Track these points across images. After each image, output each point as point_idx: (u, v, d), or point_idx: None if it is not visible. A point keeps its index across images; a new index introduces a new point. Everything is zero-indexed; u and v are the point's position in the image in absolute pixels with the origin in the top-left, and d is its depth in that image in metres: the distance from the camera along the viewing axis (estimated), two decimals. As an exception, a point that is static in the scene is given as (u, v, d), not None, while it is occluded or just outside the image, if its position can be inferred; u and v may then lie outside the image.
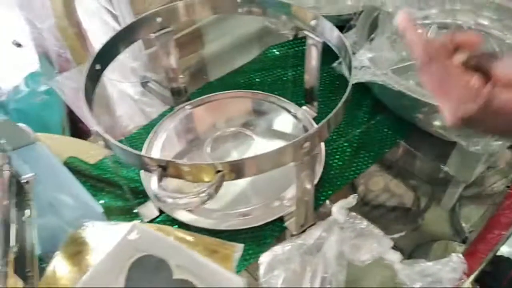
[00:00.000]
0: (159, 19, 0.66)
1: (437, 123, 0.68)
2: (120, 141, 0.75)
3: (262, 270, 0.48)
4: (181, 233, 0.48)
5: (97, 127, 0.48)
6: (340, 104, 0.48)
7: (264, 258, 0.48)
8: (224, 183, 0.43)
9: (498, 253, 1.19)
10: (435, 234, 0.80)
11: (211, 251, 0.46)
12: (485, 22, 0.83)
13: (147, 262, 0.42)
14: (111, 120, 0.97)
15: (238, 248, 0.48)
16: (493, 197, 0.79)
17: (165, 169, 0.44)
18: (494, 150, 0.66)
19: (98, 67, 0.59)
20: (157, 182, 0.42)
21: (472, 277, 0.74)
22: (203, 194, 0.42)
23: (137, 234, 0.43)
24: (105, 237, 0.48)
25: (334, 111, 0.48)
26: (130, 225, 0.44)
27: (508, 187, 0.74)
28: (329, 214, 0.56)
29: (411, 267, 0.51)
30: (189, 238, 0.47)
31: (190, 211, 0.60)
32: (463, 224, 0.81)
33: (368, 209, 0.75)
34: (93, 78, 0.57)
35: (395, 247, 0.68)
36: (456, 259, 0.49)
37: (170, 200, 0.41)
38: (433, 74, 0.36)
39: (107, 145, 0.50)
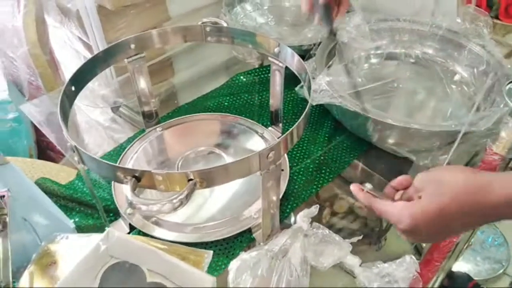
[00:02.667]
0: (132, 45, 0.70)
1: (390, 140, 0.75)
2: (109, 152, 0.78)
3: (231, 275, 0.50)
4: (153, 242, 0.50)
5: (74, 143, 0.51)
6: (300, 119, 0.54)
7: (233, 265, 0.51)
8: (194, 197, 0.46)
9: (455, 269, 1.25)
10: (397, 253, 0.84)
11: (182, 258, 0.48)
12: (430, 51, 0.93)
13: (120, 268, 0.44)
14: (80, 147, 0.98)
15: (207, 255, 0.50)
16: None
17: (138, 179, 0.47)
18: (441, 163, 0.73)
19: (73, 88, 0.62)
20: (131, 191, 0.45)
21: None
22: (175, 201, 0.45)
23: (111, 240, 0.45)
24: (78, 249, 0.49)
25: (296, 125, 0.53)
26: (105, 232, 0.45)
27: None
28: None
29: (369, 269, 0.55)
30: (161, 246, 0.49)
31: (160, 225, 0.63)
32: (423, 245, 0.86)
33: (333, 231, 0.79)
34: (69, 98, 0.60)
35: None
36: (408, 260, 0.54)
37: (144, 207, 0.44)
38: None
39: (81, 159, 0.52)
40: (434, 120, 0.82)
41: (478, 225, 0.46)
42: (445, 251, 0.76)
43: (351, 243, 0.58)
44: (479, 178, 0.45)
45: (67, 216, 0.67)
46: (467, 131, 0.68)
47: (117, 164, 0.48)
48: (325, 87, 0.73)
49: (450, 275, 1.19)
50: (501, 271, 1.24)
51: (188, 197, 0.46)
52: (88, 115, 1.01)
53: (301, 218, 0.58)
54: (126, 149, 0.78)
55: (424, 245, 0.89)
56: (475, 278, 1.21)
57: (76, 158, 0.53)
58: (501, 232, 1.29)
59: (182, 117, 0.83)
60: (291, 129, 0.52)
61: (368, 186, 0.52)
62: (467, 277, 1.21)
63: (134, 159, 0.75)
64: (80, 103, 1.01)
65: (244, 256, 0.53)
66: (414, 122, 0.70)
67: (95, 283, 0.43)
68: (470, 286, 1.18)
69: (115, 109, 0.93)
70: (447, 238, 0.49)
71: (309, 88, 0.61)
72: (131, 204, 0.44)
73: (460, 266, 1.28)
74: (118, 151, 0.80)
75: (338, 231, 0.76)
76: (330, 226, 0.77)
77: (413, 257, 0.55)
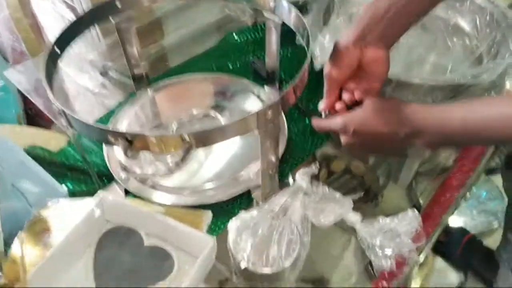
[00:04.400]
0: (119, 4, 0.66)
1: (389, 96, 0.73)
2: (101, 117, 0.75)
3: (231, 235, 0.49)
4: (150, 206, 0.48)
5: (61, 106, 0.48)
6: (298, 77, 0.51)
7: (232, 224, 0.50)
8: (191, 160, 0.45)
9: (450, 223, 1.26)
10: (394, 210, 0.85)
11: (180, 220, 0.47)
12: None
13: (117, 233, 0.43)
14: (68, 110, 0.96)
15: (206, 216, 0.49)
16: (446, 172, 0.85)
17: (131, 142, 0.45)
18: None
19: (58, 51, 0.58)
20: (123, 152, 0.43)
21: (430, 245, 0.79)
22: (171, 162, 0.43)
23: (105, 205, 0.43)
24: (71, 214, 0.47)
25: (294, 83, 0.50)
26: (97, 198, 0.44)
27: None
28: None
29: (371, 225, 0.54)
30: (158, 208, 0.48)
31: (156, 189, 0.61)
32: (420, 200, 0.87)
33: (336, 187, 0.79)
34: (54, 61, 0.57)
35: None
36: (411, 214, 0.53)
37: (138, 170, 0.42)
38: None
39: (71, 124, 0.50)
40: (434, 75, 0.80)
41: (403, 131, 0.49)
42: (445, 206, 0.75)
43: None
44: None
45: (59, 183, 0.65)
46: (470, 84, 0.65)
47: (108, 127, 0.45)
48: (326, 44, 0.70)
49: (446, 229, 1.20)
50: (496, 224, 1.26)
51: (184, 159, 0.44)
52: (77, 82, 0.98)
53: (301, 176, 0.57)
54: (116, 113, 0.75)
55: (422, 201, 0.89)
56: (471, 232, 1.23)
57: (64, 123, 0.51)
58: (496, 186, 1.30)
59: (173, 78, 0.80)
60: (289, 87, 0.49)
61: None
62: (462, 231, 1.22)
63: (125, 125, 0.73)
64: (68, 69, 0.97)
65: (243, 215, 0.52)
66: (416, 79, 0.68)
67: (90, 249, 0.42)
68: (465, 239, 1.20)
69: (104, 73, 0.90)
70: (391, 144, 0.52)
71: (307, 44, 0.58)
72: (125, 168, 0.43)
73: (455, 220, 1.29)
74: (108, 117, 0.77)
75: (335, 190, 0.75)
76: (327, 186, 0.77)
77: (415, 211, 0.54)
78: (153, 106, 0.77)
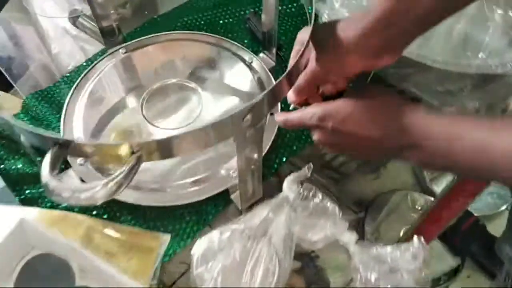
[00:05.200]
0: None
1: (407, 81, 0.60)
2: (57, 82, 0.64)
3: (194, 261, 0.41)
4: (95, 223, 0.39)
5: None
6: (293, 63, 0.38)
7: (197, 249, 0.41)
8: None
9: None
10: (396, 183, 0.76)
11: (130, 246, 0.38)
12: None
13: (43, 263, 0.34)
14: (48, 57, 0.84)
15: (163, 240, 0.40)
16: None
17: (63, 147, 0.34)
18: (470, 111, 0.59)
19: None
20: (49, 167, 0.32)
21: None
22: (112, 184, 0.33)
23: (26, 229, 0.34)
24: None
25: (287, 71, 0.38)
26: (17, 221, 0.34)
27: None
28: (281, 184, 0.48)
29: (366, 250, 0.45)
30: (106, 230, 0.38)
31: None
32: (425, 173, 0.77)
33: (330, 157, 0.69)
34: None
35: (355, 203, 0.62)
36: (417, 244, 0.44)
37: (67, 194, 0.32)
38: None
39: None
40: (462, 54, 0.65)
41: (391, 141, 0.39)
42: (456, 211, 0.66)
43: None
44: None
45: (7, 161, 0.55)
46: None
47: (31, 129, 0.34)
48: (337, 7, 0.55)
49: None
50: (503, 207, 1.17)
51: (129, 176, 0.34)
52: (54, 22, 0.84)
53: (288, 185, 0.47)
54: (86, 71, 0.63)
55: (428, 179, 0.81)
56: (475, 214, 1.15)
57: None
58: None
59: (151, 35, 0.67)
60: (281, 77, 0.37)
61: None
62: (465, 212, 1.15)
63: (91, 89, 0.61)
64: (47, 6, 0.83)
65: (213, 235, 0.42)
66: (439, 58, 0.54)
67: (10, 279, 0.33)
68: (469, 221, 1.13)
69: (73, 19, 0.76)
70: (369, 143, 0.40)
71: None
72: (46, 187, 0.32)
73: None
74: (84, 69, 0.65)
75: (339, 166, 0.66)
76: (329, 163, 0.67)
77: (423, 241, 0.44)
78: (126, 68, 0.64)
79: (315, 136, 0.42)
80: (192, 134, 0.35)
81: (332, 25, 0.41)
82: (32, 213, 0.35)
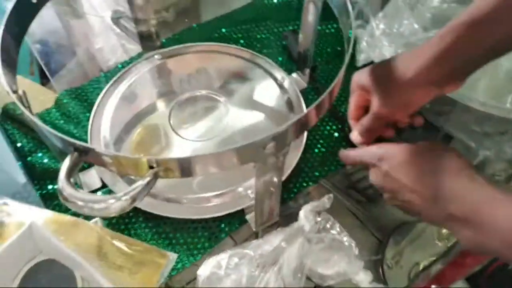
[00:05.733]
0: None
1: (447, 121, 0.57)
2: (91, 81, 0.66)
3: (200, 283, 0.40)
4: (106, 233, 0.38)
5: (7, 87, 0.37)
6: (326, 93, 0.37)
7: (204, 270, 0.40)
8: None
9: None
10: None
11: (137, 261, 0.37)
12: None
13: (48, 269, 0.34)
14: (90, 52, 0.86)
15: (170, 259, 0.39)
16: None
17: (83, 154, 0.34)
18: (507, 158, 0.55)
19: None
20: (66, 172, 0.33)
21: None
22: (126, 197, 0.33)
23: (35, 234, 0.34)
24: (11, 224, 0.38)
25: (318, 101, 0.36)
26: (27, 224, 0.34)
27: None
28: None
29: (381, 293, 0.43)
30: (116, 241, 0.38)
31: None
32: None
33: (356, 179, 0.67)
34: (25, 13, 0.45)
35: (378, 228, 0.59)
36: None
37: (80, 203, 0.32)
38: None
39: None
40: (508, 94, 0.62)
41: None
42: (482, 259, 0.62)
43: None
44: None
45: (35, 154, 0.56)
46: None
47: (54, 132, 0.34)
48: (377, 35, 0.54)
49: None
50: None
51: (144, 191, 0.33)
52: (100, 18, 0.86)
53: (305, 215, 0.45)
54: (121, 72, 0.64)
55: None
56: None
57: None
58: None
59: (188, 44, 0.67)
60: (309, 109, 0.36)
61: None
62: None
63: (123, 91, 0.62)
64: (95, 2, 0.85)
65: (221, 258, 0.41)
66: (480, 98, 0.52)
67: (15, 281, 0.33)
68: (496, 264, 1.07)
69: (115, 20, 0.77)
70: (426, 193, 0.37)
71: (348, 38, 0.43)
72: (60, 193, 0.32)
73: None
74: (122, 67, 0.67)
75: (365, 189, 0.63)
76: (355, 184, 0.64)
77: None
78: (159, 74, 0.65)
79: (371, 175, 0.42)
80: (212, 156, 0.34)
81: (391, 63, 0.41)
82: (44, 215, 0.35)
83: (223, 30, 0.72)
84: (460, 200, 0.35)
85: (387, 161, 0.40)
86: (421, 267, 0.68)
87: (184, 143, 0.56)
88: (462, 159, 0.37)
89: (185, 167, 0.34)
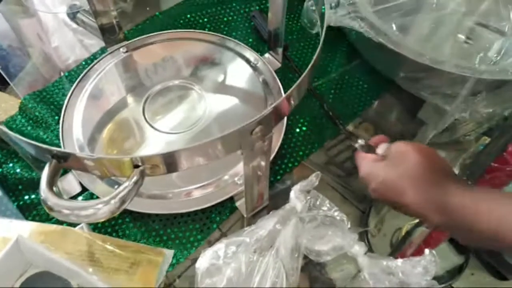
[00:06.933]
0: None
1: (420, 83, 0.58)
2: (56, 82, 0.62)
3: (199, 276, 0.39)
4: (94, 238, 0.37)
5: None
6: (306, 71, 0.36)
7: (202, 263, 0.39)
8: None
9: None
10: None
11: (132, 262, 0.36)
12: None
13: (43, 281, 0.32)
14: (45, 52, 0.81)
15: (167, 256, 0.38)
16: (463, 144, 0.73)
17: (62, 159, 0.33)
18: (478, 116, 0.57)
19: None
20: (47, 181, 0.31)
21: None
22: (115, 200, 0.31)
23: (23, 247, 0.32)
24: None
25: (300, 79, 0.36)
26: (14, 239, 0.32)
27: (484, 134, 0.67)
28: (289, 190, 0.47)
29: (376, 263, 0.44)
30: (107, 245, 0.37)
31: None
32: None
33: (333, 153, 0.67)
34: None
35: (359, 199, 0.61)
36: (429, 258, 0.42)
37: (66, 211, 0.30)
38: None
39: None
40: (474, 55, 0.63)
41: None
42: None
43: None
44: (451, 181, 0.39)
45: (4, 165, 0.53)
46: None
47: (29, 141, 0.32)
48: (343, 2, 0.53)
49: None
50: None
51: (133, 191, 0.32)
52: (53, 15, 0.81)
53: (295, 195, 0.45)
54: (86, 70, 0.61)
55: None
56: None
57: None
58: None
59: (152, 34, 0.64)
60: (291, 89, 0.35)
61: (360, 142, 0.46)
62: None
63: (90, 89, 0.59)
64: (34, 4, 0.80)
65: (217, 248, 0.41)
66: (453, 61, 0.52)
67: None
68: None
69: (71, 15, 0.73)
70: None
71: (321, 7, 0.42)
72: (45, 204, 0.30)
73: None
74: (86, 66, 0.63)
75: (343, 162, 0.64)
76: (332, 158, 0.65)
77: (434, 253, 0.43)
78: (125, 68, 0.62)
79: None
80: (198, 148, 0.33)
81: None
82: (29, 227, 0.34)
83: (188, 16, 0.69)
84: (442, 209, 0.38)
85: (372, 179, 0.42)
86: (403, 231, 0.71)
87: (160, 136, 0.54)
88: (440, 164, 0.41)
89: (171, 162, 0.33)
